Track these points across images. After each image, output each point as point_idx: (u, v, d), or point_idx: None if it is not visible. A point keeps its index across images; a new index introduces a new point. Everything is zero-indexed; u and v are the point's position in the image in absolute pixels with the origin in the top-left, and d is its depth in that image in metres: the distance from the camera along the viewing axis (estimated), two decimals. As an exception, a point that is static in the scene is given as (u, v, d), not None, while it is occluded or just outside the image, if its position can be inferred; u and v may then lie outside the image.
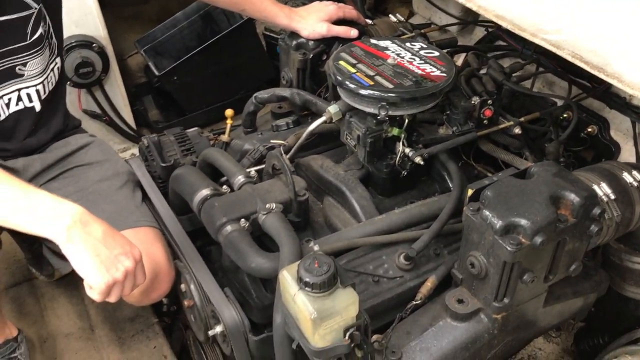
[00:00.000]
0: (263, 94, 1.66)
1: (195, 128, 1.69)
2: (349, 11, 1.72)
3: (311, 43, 1.69)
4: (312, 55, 1.68)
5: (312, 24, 1.67)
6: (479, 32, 2.14)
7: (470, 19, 2.20)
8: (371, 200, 1.36)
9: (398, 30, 1.78)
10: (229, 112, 1.69)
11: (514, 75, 1.59)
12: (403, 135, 1.34)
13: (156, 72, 2.31)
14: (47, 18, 1.50)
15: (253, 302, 1.28)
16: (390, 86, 1.28)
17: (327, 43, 1.69)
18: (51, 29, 1.53)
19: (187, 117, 2.46)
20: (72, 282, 1.96)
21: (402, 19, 1.83)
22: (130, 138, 2.40)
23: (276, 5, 1.71)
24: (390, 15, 1.87)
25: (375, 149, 1.35)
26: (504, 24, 1.32)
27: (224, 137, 1.67)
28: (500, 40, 1.94)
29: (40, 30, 1.47)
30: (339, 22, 1.70)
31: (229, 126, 1.68)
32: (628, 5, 1.21)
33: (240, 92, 2.34)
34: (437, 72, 1.33)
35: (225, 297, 1.27)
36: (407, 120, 1.32)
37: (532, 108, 1.59)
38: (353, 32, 1.67)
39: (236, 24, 2.31)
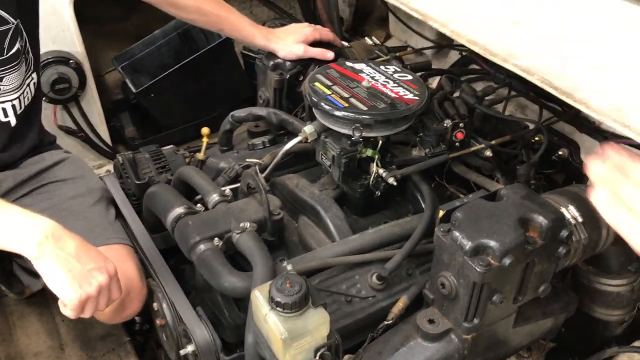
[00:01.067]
0: (240, 113, 1.67)
1: (171, 146, 1.69)
2: (326, 33, 1.74)
3: (288, 64, 1.71)
4: (288, 75, 1.70)
5: (288, 45, 1.69)
6: (454, 56, 2.18)
7: (445, 42, 2.24)
8: (345, 220, 1.37)
9: (374, 53, 1.81)
10: (204, 130, 1.69)
11: (486, 98, 1.62)
12: (377, 157, 1.35)
13: (133, 89, 2.30)
14: (24, 33, 1.50)
15: (226, 321, 1.27)
16: (364, 108, 1.30)
17: (304, 64, 1.71)
18: (28, 45, 1.53)
19: (163, 134, 2.45)
20: (43, 300, 1.93)
21: (377, 42, 1.86)
22: (106, 155, 2.39)
23: (253, 26, 1.73)
24: (366, 37, 1.90)
25: (350, 169, 1.36)
26: (476, 49, 1.35)
27: (200, 155, 1.67)
28: (474, 63, 1.98)
29: (17, 46, 1.47)
30: (315, 44, 1.72)
31: (204, 144, 1.68)
32: (594, 34, 1.25)
33: (218, 110, 2.34)
34: (410, 95, 1.35)
35: (197, 316, 1.27)
36: (380, 142, 1.34)
37: (504, 131, 1.62)
38: (329, 55, 1.69)
39: (214, 43, 2.32)
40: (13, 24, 1.45)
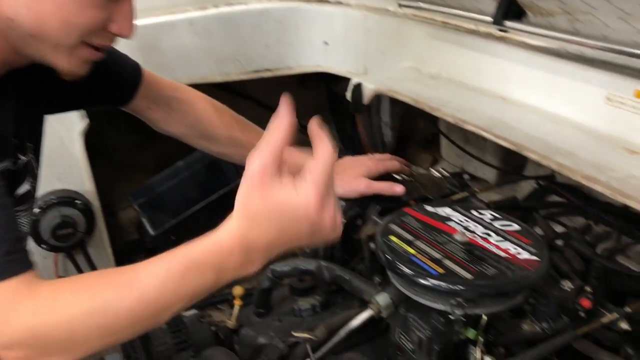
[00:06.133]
0: (282, 267, 1.32)
1: (194, 311, 1.34)
2: (392, 164, 1.42)
3: (344, 204, 1.38)
4: (344, 220, 1.36)
5: (347, 180, 1.36)
6: (527, 186, 1.85)
7: (510, 168, 1.92)
8: None
9: (445, 188, 1.48)
10: (237, 290, 1.33)
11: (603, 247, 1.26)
12: (480, 339, 0.98)
13: (151, 232, 1.97)
14: (36, 172, 1.20)
15: None
16: (469, 276, 0.94)
17: (361, 204, 1.38)
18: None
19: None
20: None
21: (446, 174, 1.54)
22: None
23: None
24: (430, 169, 1.58)
25: (444, 356, 0.98)
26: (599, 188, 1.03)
27: (231, 323, 1.31)
28: (556, 195, 1.64)
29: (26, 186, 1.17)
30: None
31: (237, 309, 1.32)
32: None
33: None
34: (526, 255, 1.00)
35: None
36: (485, 320, 0.97)
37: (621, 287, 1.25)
38: (398, 188, 1.35)
39: (246, 175, 2.01)
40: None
